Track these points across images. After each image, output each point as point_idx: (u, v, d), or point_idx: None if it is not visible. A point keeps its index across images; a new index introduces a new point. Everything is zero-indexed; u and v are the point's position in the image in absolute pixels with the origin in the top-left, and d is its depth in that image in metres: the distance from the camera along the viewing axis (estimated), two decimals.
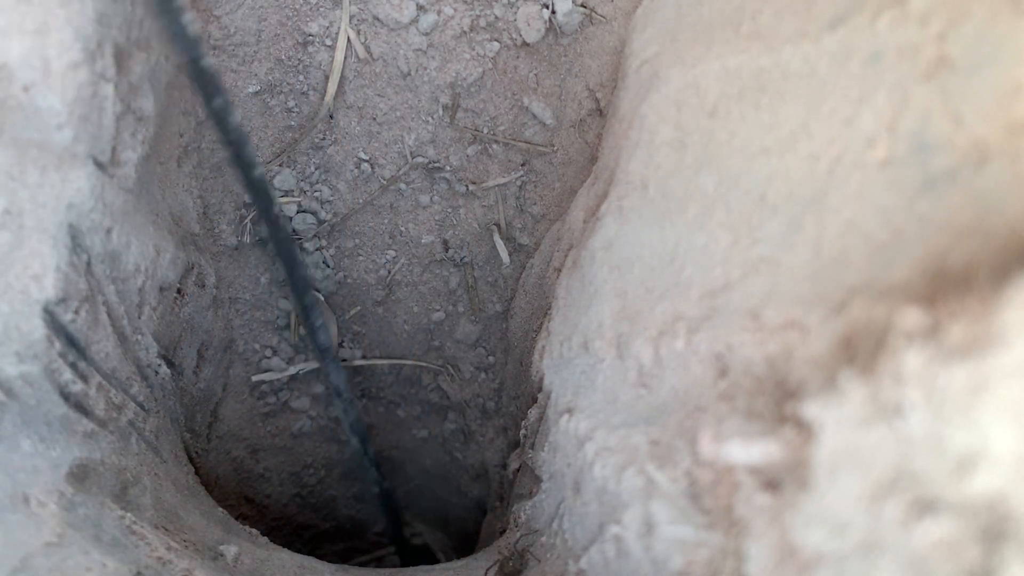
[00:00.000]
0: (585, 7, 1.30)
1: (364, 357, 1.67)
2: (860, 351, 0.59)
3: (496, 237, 1.49)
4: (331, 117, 1.39)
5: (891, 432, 0.53)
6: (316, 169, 1.44)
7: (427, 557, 1.97)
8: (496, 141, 1.41)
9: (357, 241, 1.52)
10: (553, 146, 1.41)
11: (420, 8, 1.31)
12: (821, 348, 0.64)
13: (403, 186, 1.46)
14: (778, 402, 0.66)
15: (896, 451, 0.52)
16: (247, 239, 1.45)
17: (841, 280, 0.66)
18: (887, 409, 0.53)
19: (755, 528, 0.63)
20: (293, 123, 1.40)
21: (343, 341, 1.64)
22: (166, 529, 0.96)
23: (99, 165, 0.90)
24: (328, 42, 1.33)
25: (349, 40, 1.32)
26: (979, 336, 0.49)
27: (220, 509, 1.22)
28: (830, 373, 0.60)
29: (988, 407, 0.48)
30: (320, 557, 1.20)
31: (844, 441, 0.56)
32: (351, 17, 1.31)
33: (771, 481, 0.63)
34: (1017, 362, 0.47)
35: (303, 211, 1.46)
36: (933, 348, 0.51)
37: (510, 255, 1.50)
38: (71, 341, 0.86)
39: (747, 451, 0.65)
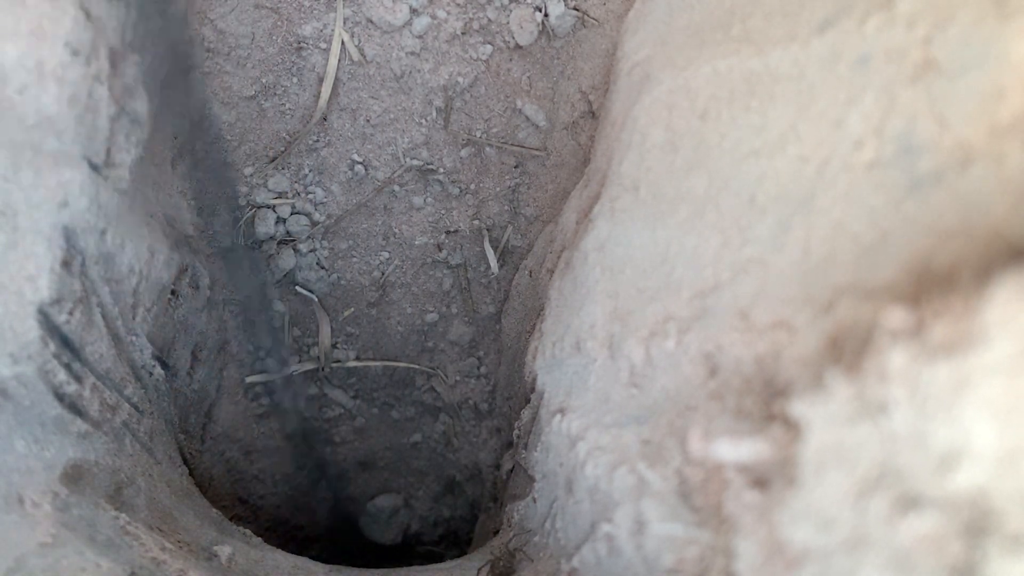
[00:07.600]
0: (577, 10, 1.30)
1: (358, 358, 1.67)
2: (846, 350, 0.60)
3: (486, 244, 1.50)
4: (325, 119, 1.40)
5: (876, 429, 0.53)
6: (310, 171, 1.45)
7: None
8: (489, 144, 1.42)
9: (351, 243, 1.52)
10: (546, 148, 1.42)
11: (413, 11, 1.31)
12: (808, 348, 0.65)
13: (397, 188, 1.47)
14: (766, 401, 0.66)
15: (881, 448, 0.53)
16: (241, 241, 1.45)
17: (828, 281, 0.67)
18: (872, 407, 0.54)
19: (744, 525, 0.63)
20: (287, 125, 1.40)
21: (336, 342, 1.64)
22: (160, 530, 0.96)
23: (93, 167, 0.90)
24: (322, 45, 1.34)
25: (343, 43, 1.33)
26: (962, 334, 0.50)
27: (214, 510, 1.22)
28: (817, 372, 0.60)
29: (970, 404, 0.49)
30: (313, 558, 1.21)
31: (830, 438, 0.56)
32: (344, 20, 1.32)
33: (759, 479, 0.63)
34: (999, 359, 0.48)
35: (296, 213, 1.47)
36: (917, 347, 0.52)
37: (503, 257, 1.51)
38: (65, 342, 0.87)
39: (736, 449, 0.66)
